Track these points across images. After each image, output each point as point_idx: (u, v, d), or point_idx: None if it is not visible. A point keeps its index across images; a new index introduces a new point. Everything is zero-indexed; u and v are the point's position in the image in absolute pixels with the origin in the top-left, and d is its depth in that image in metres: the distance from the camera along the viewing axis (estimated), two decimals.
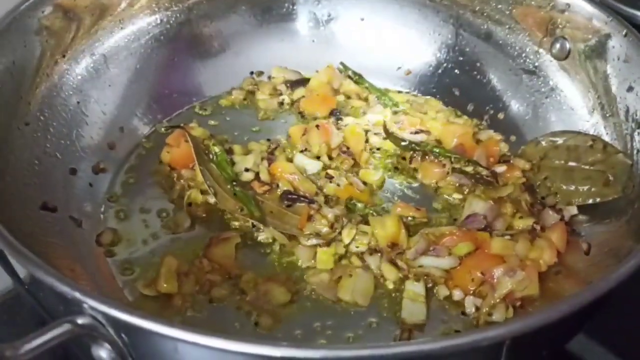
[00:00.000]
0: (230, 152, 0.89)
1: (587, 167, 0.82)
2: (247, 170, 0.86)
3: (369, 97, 1.01)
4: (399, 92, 1.03)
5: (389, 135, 0.91)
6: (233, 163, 0.87)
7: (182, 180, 0.86)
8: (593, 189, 0.81)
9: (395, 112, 0.97)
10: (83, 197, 0.84)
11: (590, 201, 0.81)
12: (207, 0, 1.02)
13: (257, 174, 0.86)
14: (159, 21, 0.99)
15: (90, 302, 0.53)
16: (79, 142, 0.87)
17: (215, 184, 0.82)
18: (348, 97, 1.01)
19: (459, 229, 0.79)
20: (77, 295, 0.54)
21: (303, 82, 1.02)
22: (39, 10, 0.83)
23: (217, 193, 0.82)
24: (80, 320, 0.54)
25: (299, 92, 1.01)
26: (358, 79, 1.02)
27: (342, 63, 1.03)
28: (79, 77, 0.90)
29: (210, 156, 0.86)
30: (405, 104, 1.00)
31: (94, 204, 0.84)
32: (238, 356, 0.52)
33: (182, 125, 0.91)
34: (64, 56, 0.88)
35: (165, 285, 0.73)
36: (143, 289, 0.74)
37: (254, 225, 0.81)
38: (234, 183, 0.84)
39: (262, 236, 0.80)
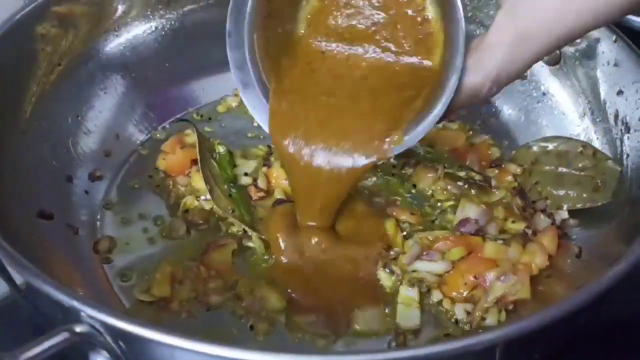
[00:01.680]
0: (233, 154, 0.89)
1: (577, 172, 0.83)
2: (246, 174, 0.87)
3: None
4: None
5: None
6: (235, 165, 0.88)
7: (177, 187, 0.87)
8: (583, 195, 0.82)
9: None
10: (79, 204, 0.84)
11: (580, 206, 0.82)
12: (202, 7, 1.03)
13: (255, 180, 0.86)
14: (153, 28, 0.99)
15: (87, 311, 0.54)
16: (75, 150, 0.88)
17: (213, 182, 0.83)
18: None
19: (452, 233, 0.79)
20: (75, 303, 0.54)
21: None
22: (35, 19, 0.84)
23: (213, 191, 0.82)
24: (78, 329, 0.54)
25: None
26: None
27: None
28: (75, 85, 0.90)
29: (214, 155, 0.87)
30: None
31: (90, 211, 0.84)
32: None
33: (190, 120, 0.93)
34: (59, 64, 0.88)
35: (158, 289, 0.74)
36: (139, 295, 0.74)
37: (245, 231, 0.81)
38: (232, 184, 0.85)
39: (249, 242, 0.81)
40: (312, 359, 0.51)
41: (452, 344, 0.53)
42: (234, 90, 1.02)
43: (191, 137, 0.92)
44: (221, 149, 0.87)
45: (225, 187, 0.84)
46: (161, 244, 0.81)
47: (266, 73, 0.75)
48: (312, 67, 0.76)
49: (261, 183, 0.86)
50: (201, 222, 0.83)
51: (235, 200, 0.83)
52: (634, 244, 0.64)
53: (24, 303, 0.71)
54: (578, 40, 0.88)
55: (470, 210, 0.82)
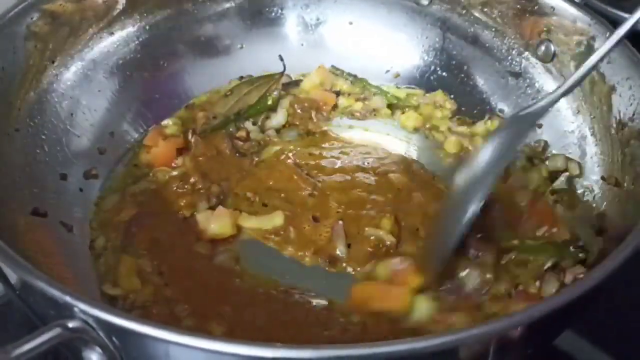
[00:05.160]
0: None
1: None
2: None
3: (368, 97, 1.02)
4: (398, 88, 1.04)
5: None
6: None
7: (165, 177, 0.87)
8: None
9: (403, 112, 0.99)
10: (73, 202, 0.84)
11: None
12: (196, 5, 1.03)
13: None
14: (148, 27, 0.99)
15: (80, 306, 0.54)
16: (70, 148, 0.87)
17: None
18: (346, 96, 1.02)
19: None
20: (68, 299, 0.54)
21: (294, 84, 1.03)
22: (28, 16, 0.84)
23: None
24: (71, 324, 0.54)
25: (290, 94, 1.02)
26: (353, 79, 1.03)
27: (333, 66, 1.04)
28: (69, 83, 0.90)
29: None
30: (407, 98, 1.01)
31: (85, 209, 0.84)
32: (230, 357, 0.53)
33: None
34: (53, 62, 0.88)
35: (124, 283, 0.75)
36: (106, 289, 0.74)
37: None
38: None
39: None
40: (304, 352, 0.51)
41: (447, 337, 0.53)
42: (229, 89, 1.03)
43: (170, 128, 0.92)
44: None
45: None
46: None
47: None
48: None
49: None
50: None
51: None
52: (623, 243, 0.64)
53: (18, 302, 0.71)
54: (573, 38, 0.89)
55: None
